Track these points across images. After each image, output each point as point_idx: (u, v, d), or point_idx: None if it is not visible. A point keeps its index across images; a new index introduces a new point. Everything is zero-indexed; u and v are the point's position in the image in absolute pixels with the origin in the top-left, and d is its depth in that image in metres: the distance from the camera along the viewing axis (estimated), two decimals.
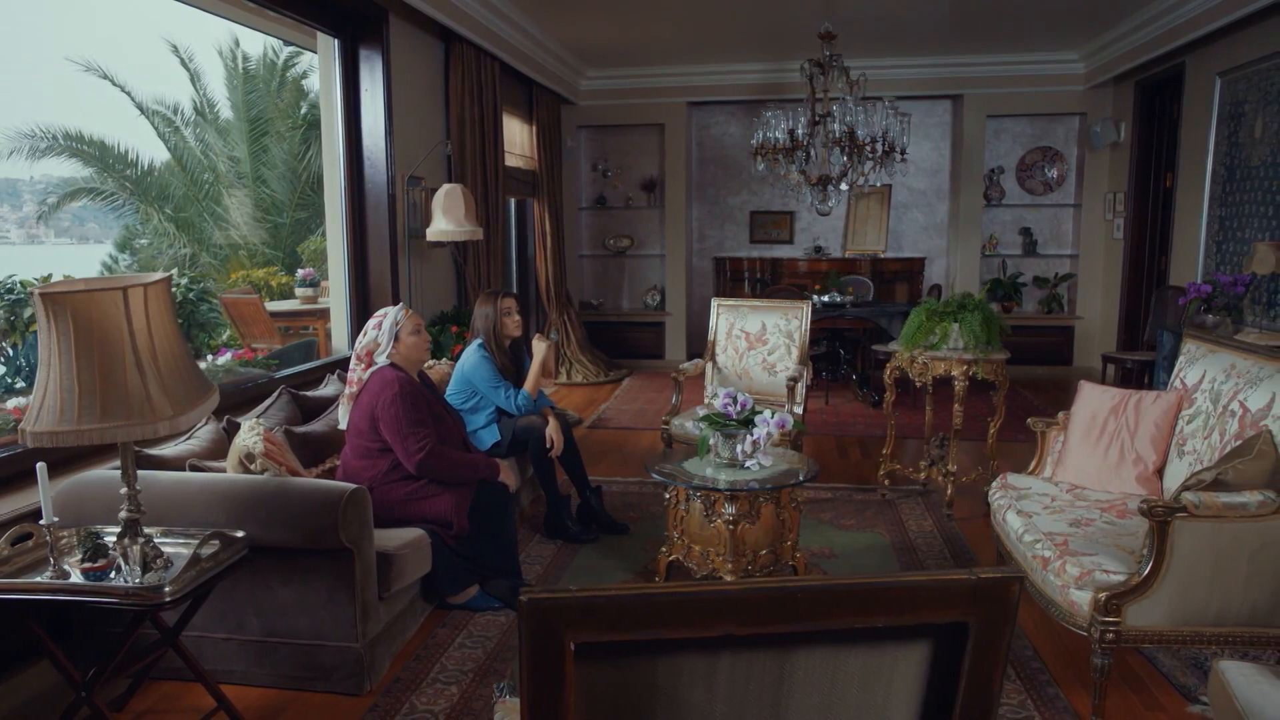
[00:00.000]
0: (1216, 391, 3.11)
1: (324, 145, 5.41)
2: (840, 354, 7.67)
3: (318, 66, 5.41)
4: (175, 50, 11.12)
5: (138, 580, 2.38)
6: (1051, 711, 2.78)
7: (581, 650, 1.07)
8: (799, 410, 4.86)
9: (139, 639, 2.79)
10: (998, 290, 8.75)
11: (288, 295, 9.43)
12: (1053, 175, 8.73)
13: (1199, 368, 3.31)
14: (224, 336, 8.49)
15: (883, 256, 8.94)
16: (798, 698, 1.16)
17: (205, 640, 2.92)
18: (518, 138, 7.66)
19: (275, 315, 8.22)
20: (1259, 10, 5.38)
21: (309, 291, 8.15)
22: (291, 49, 10.56)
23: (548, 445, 4.14)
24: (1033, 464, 3.72)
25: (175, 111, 11.39)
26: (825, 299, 7.16)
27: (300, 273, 8.48)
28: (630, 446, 6.01)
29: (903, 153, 6.89)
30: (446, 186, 5.25)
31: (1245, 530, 2.53)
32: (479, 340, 4.18)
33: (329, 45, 5.20)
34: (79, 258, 12.46)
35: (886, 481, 4.87)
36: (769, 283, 8.77)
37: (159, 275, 2.50)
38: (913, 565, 3.95)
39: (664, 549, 3.68)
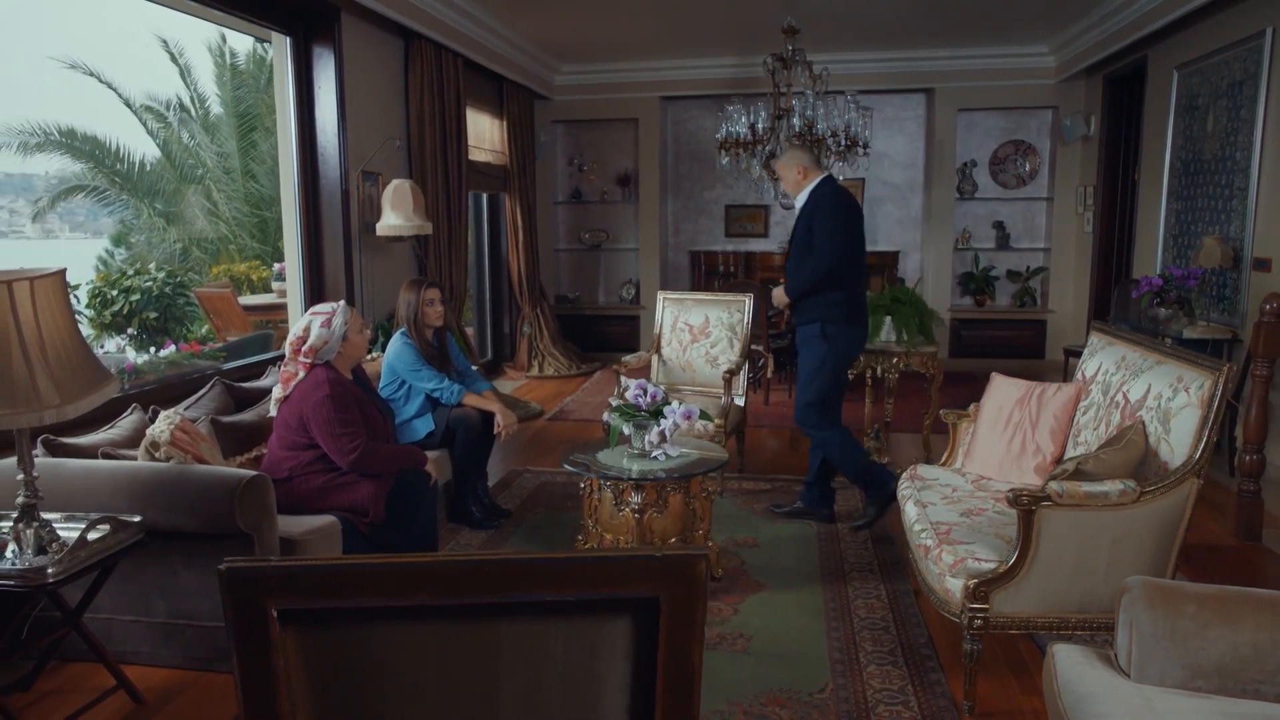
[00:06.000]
0: (1107, 383, 3.16)
1: (279, 141, 5.51)
2: None
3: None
4: (165, 46, 11.29)
5: (28, 563, 2.48)
6: (929, 696, 2.84)
7: (286, 617, 1.15)
8: (739, 402, 4.93)
9: (48, 622, 2.89)
10: (970, 284, 8.77)
11: (269, 289, 9.58)
12: (1025, 169, 8.73)
13: (1097, 360, 3.35)
14: (203, 330, 8.64)
15: None
16: (508, 666, 1.23)
17: (115, 622, 3.02)
18: (487, 133, 7.73)
19: (252, 309, 8.37)
20: (1213, 1, 5.38)
21: (284, 285, 8.26)
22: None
23: (495, 431, 4.23)
24: (945, 455, 3.78)
25: (167, 107, 11.56)
26: None
27: (276, 267, 8.60)
28: (586, 437, 6.06)
29: (865, 146, 6.94)
30: (395, 182, 5.34)
31: (1107, 518, 2.58)
32: (402, 329, 4.27)
33: (282, 43, 5.30)
34: (85, 252, 12.64)
35: None
36: (742, 276, 8.82)
37: (52, 269, 2.59)
38: (833, 555, 4.00)
39: (580, 537, 3.76)
